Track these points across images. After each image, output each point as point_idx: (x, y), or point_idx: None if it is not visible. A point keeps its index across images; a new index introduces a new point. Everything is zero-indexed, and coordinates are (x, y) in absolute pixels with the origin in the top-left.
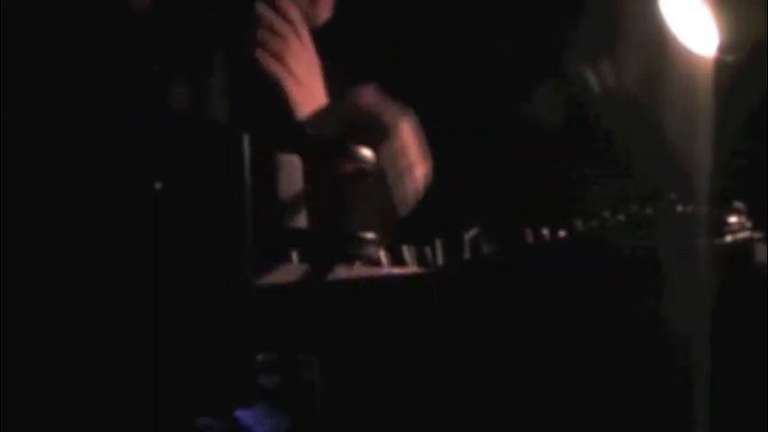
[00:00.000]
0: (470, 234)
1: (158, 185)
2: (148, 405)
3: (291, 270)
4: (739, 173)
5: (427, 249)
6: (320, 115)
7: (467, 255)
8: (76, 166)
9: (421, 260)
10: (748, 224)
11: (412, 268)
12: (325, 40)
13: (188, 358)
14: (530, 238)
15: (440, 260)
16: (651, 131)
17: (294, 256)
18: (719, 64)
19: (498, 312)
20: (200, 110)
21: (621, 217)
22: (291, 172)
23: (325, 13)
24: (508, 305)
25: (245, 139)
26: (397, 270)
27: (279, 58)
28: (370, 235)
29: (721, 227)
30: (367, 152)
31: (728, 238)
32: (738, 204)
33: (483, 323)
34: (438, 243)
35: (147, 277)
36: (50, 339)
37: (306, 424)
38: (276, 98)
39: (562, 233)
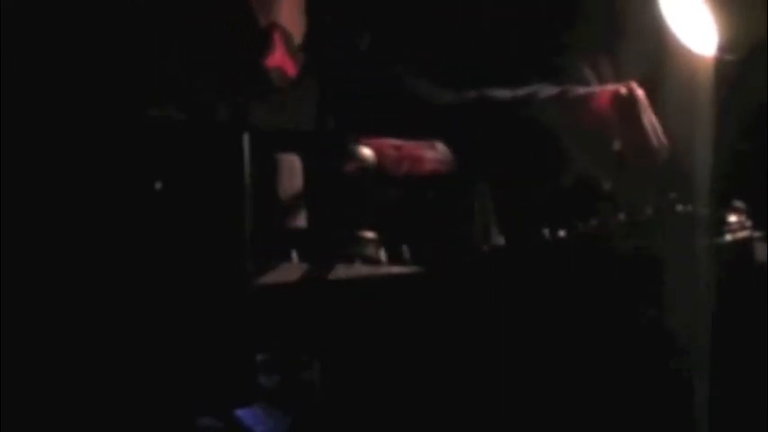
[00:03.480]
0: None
1: (158, 185)
2: (149, 405)
3: (291, 270)
4: (739, 173)
5: (427, 249)
6: None
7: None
8: (77, 166)
9: (419, 259)
10: (748, 223)
11: (411, 267)
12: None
13: (188, 358)
14: (531, 237)
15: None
16: None
17: (294, 255)
18: (719, 64)
19: (498, 311)
20: (201, 110)
21: (621, 217)
22: (291, 172)
23: None
24: (508, 304)
25: (245, 139)
26: (396, 269)
27: None
28: (369, 234)
29: (721, 226)
30: (367, 152)
31: (728, 238)
32: (738, 204)
33: (482, 322)
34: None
35: (147, 277)
36: (50, 338)
37: (306, 424)
38: None
39: (562, 233)
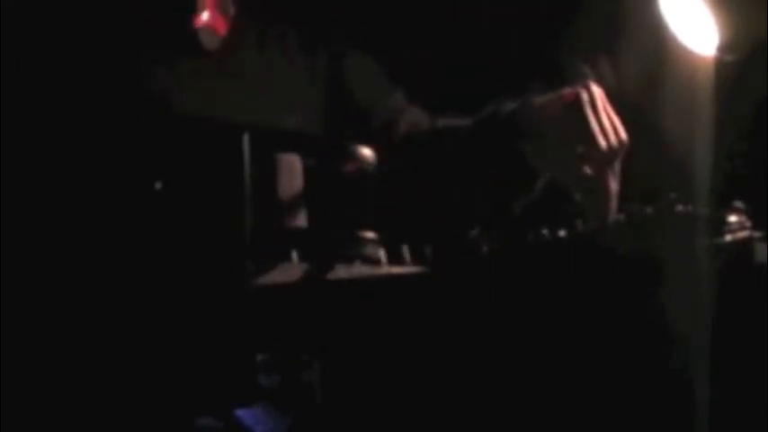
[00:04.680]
0: (472, 233)
1: (158, 185)
2: (149, 405)
3: (291, 270)
4: (739, 173)
5: (426, 248)
6: None
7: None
8: (77, 166)
9: (419, 259)
10: (748, 224)
11: (411, 267)
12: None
13: (188, 358)
14: (530, 237)
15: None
16: (651, 131)
17: (294, 255)
18: (719, 64)
19: (497, 312)
20: (201, 110)
21: (621, 217)
22: (291, 172)
23: None
24: (508, 304)
25: (245, 139)
26: (396, 269)
27: None
28: (369, 234)
29: (721, 226)
30: (367, 152)
31: (728, 238)
32: (738, 204)
33: (482, 323)
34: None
35: (147, 277)
36: (51, 338)
37: (306, 424)
38: None
39: (562, 233)
